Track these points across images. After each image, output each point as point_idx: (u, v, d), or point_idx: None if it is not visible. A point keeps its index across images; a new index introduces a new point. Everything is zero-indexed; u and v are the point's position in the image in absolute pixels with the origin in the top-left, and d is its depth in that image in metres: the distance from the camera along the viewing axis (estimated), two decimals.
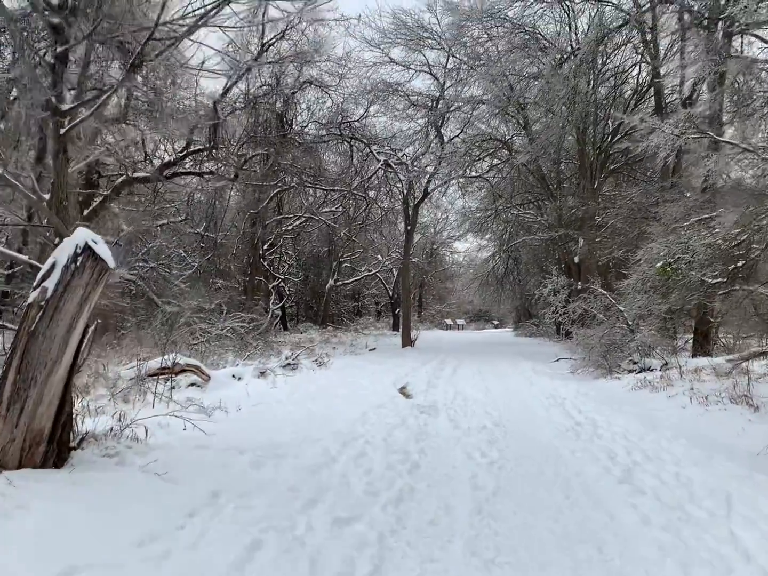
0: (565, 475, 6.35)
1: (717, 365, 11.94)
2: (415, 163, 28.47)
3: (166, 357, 12.50)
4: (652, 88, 23.80)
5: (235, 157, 25.76)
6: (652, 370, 14.38)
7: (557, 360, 21.03)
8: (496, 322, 75.39)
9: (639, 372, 14.53)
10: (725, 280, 11.55)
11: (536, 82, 22.36)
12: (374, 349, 26.84)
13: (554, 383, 14.23)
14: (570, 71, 18.09)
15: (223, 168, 24.99)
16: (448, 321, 64.65)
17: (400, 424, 8.97)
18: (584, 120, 22.73)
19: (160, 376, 11.95)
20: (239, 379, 14.00)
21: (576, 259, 24.59)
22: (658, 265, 11.16)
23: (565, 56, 21.28)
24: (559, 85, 18.79)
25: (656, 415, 9.56)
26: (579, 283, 18.06)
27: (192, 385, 12.83)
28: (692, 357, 16.18)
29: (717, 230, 11.50)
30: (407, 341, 28.99)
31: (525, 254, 39.94)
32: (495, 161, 30.07)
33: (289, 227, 33.72)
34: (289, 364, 16.48)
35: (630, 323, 15.11)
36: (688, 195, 17.25)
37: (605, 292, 15.71)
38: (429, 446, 7.57)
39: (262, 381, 13.91)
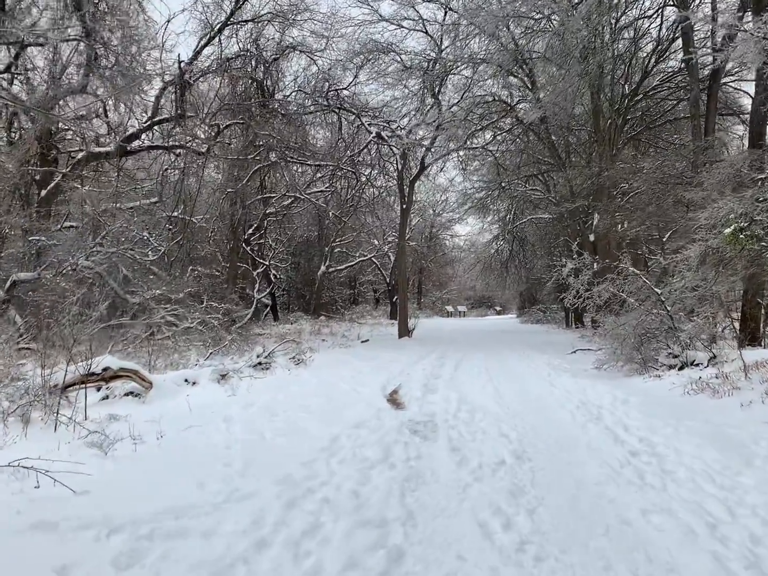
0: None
1: None
2: (410, 135, 25.70)
3: (96, 359, 9.93)
4: (676, 42, 21.07)
5: (207, 128, 23.05)
6: (697, 365, 11.76)
7: (574, 351, 18.44)
8: (498, 309, 72.84)
9: (681, 368, 11.92)
10: None
11: (544, 35, 19.57)
12: (367, 340, 24.21)
13: (580, 383, 11.56)
14: (588, 9, 15.29)
15: (194, 142, 22.27)
16: (449, 308, 62.14)
17: (383, 459, 6.30)
18: (600, 77, 19.93)
19: (87, 385, 9.38)
20: (193, 384, 11.49)
21: (591, 237, 21.86)
22: (728, 231, 8.50)
23: None
24: (572, 31, 16.01)
25: (736, 436, 6.88)
26: (596, 263, 15.35)
27: (129, 394, 10.31)
28: (739, 347, 13.56)
29: None
30: (404, 331, 26.35)
31: (531, 235, 37.20)
32: (498, 132, 27.20)
33: (275, 209, 30.94)
34: (260, 363, 13.86)
35: (669, 308, 12.43)
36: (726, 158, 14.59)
37: (638, 272, 13.02)
38: (421, 506, 4.92)
39: (221, 386, 11.30)
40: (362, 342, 23.78)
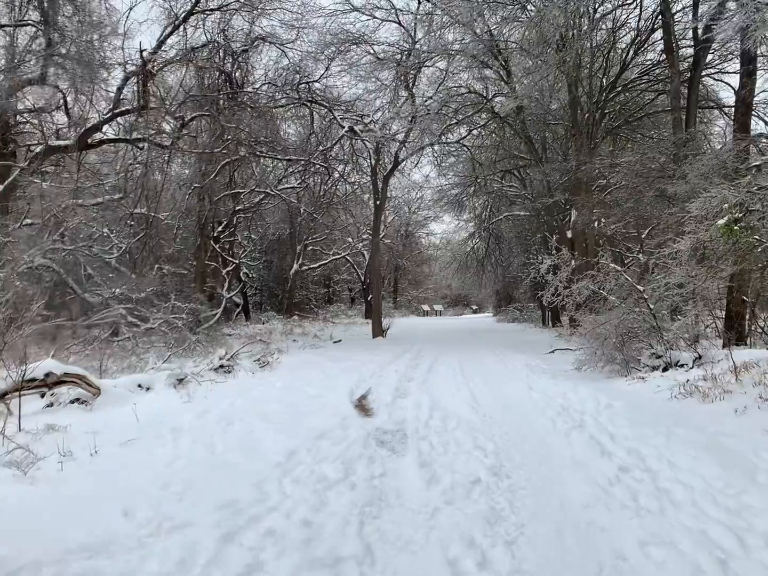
0: None
1: None
2: (384, 129, 24.99)
3: (35, 365, 9.14)
4: (655, 34, 20.57)
5: (173, 120, 22.14)
6: (682, 365, 11.18)
7: (552, 351, 17.86)
8: (475, 307, 72.39)
9: (665, 369, 11.35)
10: None
11: (521, 25, 18.93)
12: (340, 341, 23.50)
13: (560, 386, 10.91)
14: None
15: (158, 135, 21.36)
16: (425, 307, 61.57)
17: (343, 477, 5.57)
18: (578, 68, 19.35)
19: (26, 392, 8.61)
20: (147, 389, 10.71)
21: (569, 234, 21.29)
22: (721, 222, 7.87)
23: None
24: (549, 20, 15.37)
25: (734, 447, 6.24)
26: (574, 260, 14.74)
27: (76, 401, 9.50)
28: (724, 346, 13.03)
29: None
30: (378, 331, 25.67)
31: (508, 232, 36.67)
32: (473, 127, 26.56)
33: (245, 205, 30.04)
34: (222, 366, 13.06)
35: (651, 306, 11.85)
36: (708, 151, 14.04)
37: (619, 269, 12.42)
38: (381, 538, 4.22)
39: (177, 392, 10.51)
40: (334, 342, 23.07)
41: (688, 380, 9.22)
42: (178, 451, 6.50)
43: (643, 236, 20.47)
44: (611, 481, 5.38)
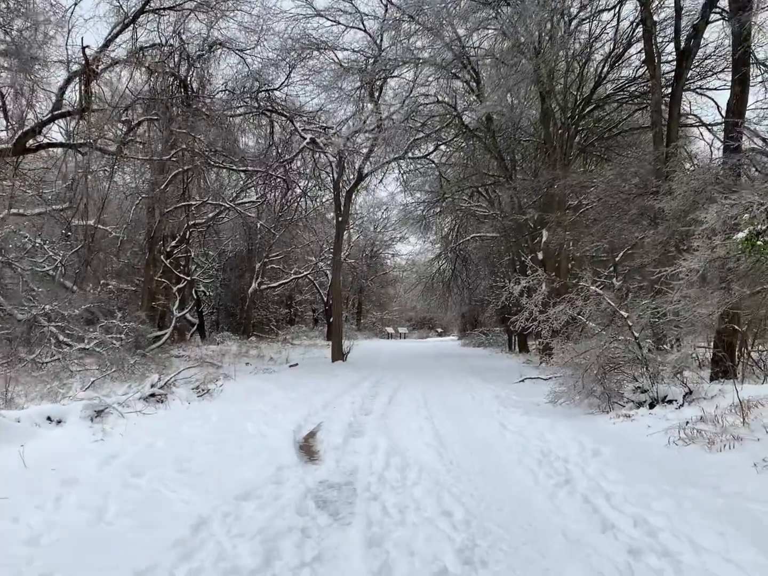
0: None
1: None
2: (348, 143, 23.68)
3: None
4: (633, 47, 19.69)
5: (121, 125, 20.58)
6: (671, 401, 9.98)
7: (522, 380, 16.58)
8: (440, 331, 71.19)
9: (652, 405, 10.12)
10: None
11: (493, 34, 17.89)
12: (296, 365, 21.96)
13: (536, 424, 9.57)
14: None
15: (101, 139, 19.77)
16: (390, 329, 60.17)
17: (262, 566, 4.10)
18: (551, 77, 18.27)
19: None
20: (58, 422, 9.14)
21: (540, 255, 20.13)
22: (741, 235, 6.65)
23: None
24: (523, 22, 14.28)
25: (766, 518, 4.94)
26: (555, 281, 13.49)
27: None
28: (711, 380, 11.87)
29: None
30: (338, 354, 24.18)
31: (475, 254, 35.52)
32: (441, 142, 25.39)
33: (197, 219, 28.40)
34: (153, 394, 11.49)
35: (637, 335, 10.62)
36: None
37: (601, 292, 11.18)
38: None
39: (92, 427, 8.95)
40: (290, 366, 21.53)
41: (687, 422, 7.93)
42: (55, 517, 4.99)
43: (617, 259, 19.40)
44: (622, 574, 4.02)
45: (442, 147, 26.24)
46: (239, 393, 13.11)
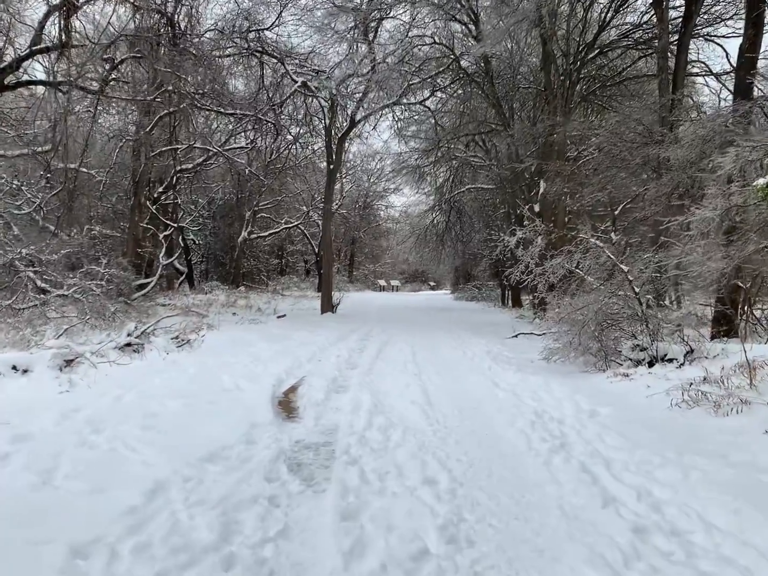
0: None
1: None
2: (340, 88, 22.79)
3: None
4: None
5: (103, 62, 19.63)
6: (670, 360, 9.50)
7: (515, 335, 16.13)
8: (432, 284, 70.76)
9: (651, 363, 9.65)
10: None
11: None
12: (284, 315, 21.47)
13: (529, 382, 9.11)
14: None
15: (82, 77, 18.85)
16: (382, 282, 59.76)
17: (218, 542, 3.61)
18: (554, 18, 17.38)
19: None
20: (24, 372, 8.65)
21: (536, 207, 19.48)
22: (761, 182, 6.07)
23: None
24: None
25: None
26: (552, 233, 12.87)
27: None
28: (711, 338, 11.41)
29: None
30: (327, 306, 23.70)
31: (470, 206, 34.79)
32: (438, 87, 24.44)
33: (189, 165, 27.55)
34: (129, 344, 10.97)
35: (637, 290, 10.11)
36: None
37: (601, 245, 10.62)
38: None
39: (59, 377, 8.44)
40: (278, 317, 21.03)
41: (691, 384, 7.45)
42: None
43: (615, 213, 18.80)
44: (626, 557, 3.54)
45: (438, 94, 25.33)
46: (221, 344, 12.59)
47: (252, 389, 8.13)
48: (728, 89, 17.84)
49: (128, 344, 10.87)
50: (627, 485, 4.67)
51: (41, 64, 19.82)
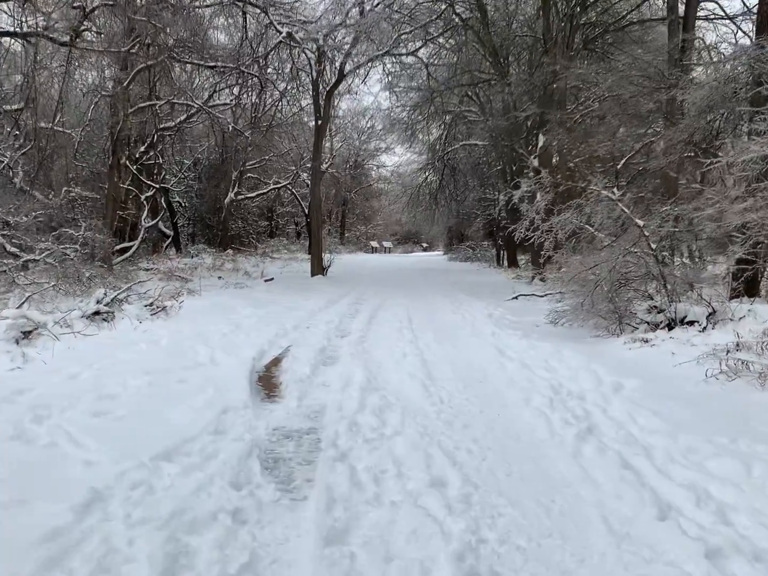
0: None
1: None
2: (328, 38, 21.54)
3: None
4: None
5: (72, 10, 18.28)
6: (692, 323, 8.62)
7: (515, 297, 15.27)
8: (425, 245, 69.77)
9: (669, 326, 8.76)
10: None
11: None
12: (272, 279, 20.50)
13: (539, 350, 8.21)
14: None
15: (51, 27, 17.54)
16: (374, 243, 58.76)
17: None
18: None
19: None
20: None
21: (535, 162, 18.43)
22: None
23: None
24: None
25: None
26: (547, 190, 11.89)
27: None
28: (730, 298, 10.53)
29: None
30: (318, 269, 22.72)
31: (464, 164, 33.61)
32: (430, 37, 23.13)
33: (170, 123, 26.26)
34: (99, 312, 9.99)
35: (654, 247, 9.19)
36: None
37: (614, 197, 9.67)
38: None
39: (13, 351, 7.48)
40: (266, 281, 20.06)
41: (727, 351, 6.56)
42: None
43: (618, 167, 17.77)
44: None
45: (431, 45, 24.03)
46: (200, 311, 11.63)
47: (229, 363, 7.20)
48: (743, 31, 16.71)
49: (97, 312, 9.89)
50: (679, 484, 3.79)
51: (6, 13, 18.48)
